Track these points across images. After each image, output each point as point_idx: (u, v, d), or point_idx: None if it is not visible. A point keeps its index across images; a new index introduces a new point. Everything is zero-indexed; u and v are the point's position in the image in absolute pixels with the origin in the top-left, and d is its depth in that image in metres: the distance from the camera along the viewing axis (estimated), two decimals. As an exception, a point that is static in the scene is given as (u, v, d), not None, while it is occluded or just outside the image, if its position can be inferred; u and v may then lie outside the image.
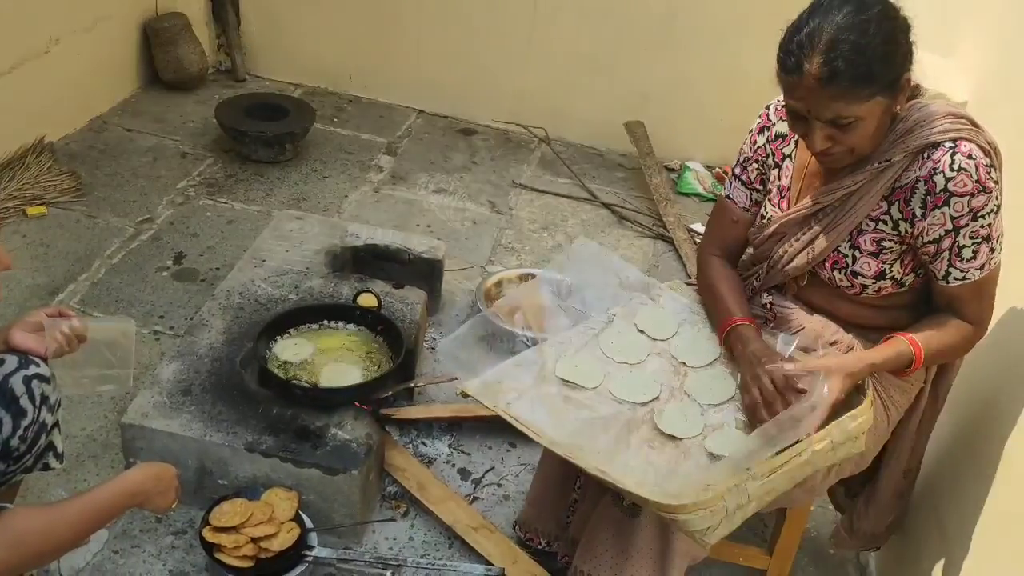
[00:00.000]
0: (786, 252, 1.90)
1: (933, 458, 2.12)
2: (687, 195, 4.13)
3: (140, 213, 3.47)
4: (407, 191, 3.89)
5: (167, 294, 3.06)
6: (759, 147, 1.98)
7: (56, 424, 2.01)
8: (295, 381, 2.31)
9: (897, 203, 1.76)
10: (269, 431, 2.24)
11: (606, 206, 3.96)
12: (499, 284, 3.19)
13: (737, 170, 2.03)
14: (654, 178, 4.00)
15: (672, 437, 1.80)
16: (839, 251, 1.84)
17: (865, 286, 1.83)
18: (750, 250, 2.10)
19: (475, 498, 2.46)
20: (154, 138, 3.98)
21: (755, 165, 2.00)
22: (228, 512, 2.10)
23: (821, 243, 1.84)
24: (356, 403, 2.32)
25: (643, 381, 1.92)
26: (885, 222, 1.78)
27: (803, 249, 1.87)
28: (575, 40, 4.24)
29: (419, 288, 2.91)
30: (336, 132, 4.26)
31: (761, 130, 1.98)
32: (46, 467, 2.02)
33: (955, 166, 1.67)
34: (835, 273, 1.85)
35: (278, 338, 2.49)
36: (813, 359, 1.81)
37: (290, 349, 2.46)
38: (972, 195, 1.67)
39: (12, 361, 1.85)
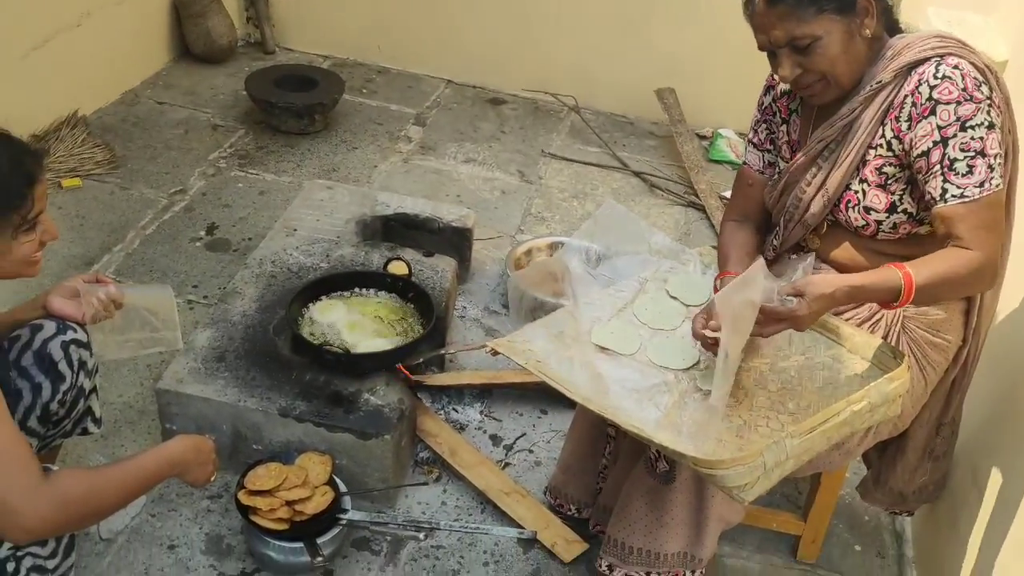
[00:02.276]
0: (801, 200, 1.88)
1: (971, 420, 2.08)
2: (719, 162, 4.08)
3: (173, 185, 3.49)
4: (436, 161, 3.88)
5: (200, 264, 3.09)
6: (765, 107, 2.00)
7: (94, 389, 2.04)
8: (327, 347, 2.32)
9: (889, 123, 1.74)
10: (302, 396, 2.26)
11: (637, 174, 3.93)
12: (528, 253, 3.18)
13: (750, 135, 2.05)
14: (685, 145, 3.95)
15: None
16: (851, 188, 1.81)
17: (880, 222, 1.80)
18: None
19: (507, 464, 2.47)
20: (185, 111, 4.00)
21: (764, 126, 2.02)
22: (263, 476, 2.12)
23: (833, 181, 1.81)
24: (398, 366, 2.33)
25: (682, 347, 1.91)
26: (882, 146, 1.76)
27: (816, 192, 1.85)
28: (605, 6, 4.19)
29: (449, 257, 2.91)
30: (365, 103, 4.25)
31: (767, 90, 2.00)
32: (85, 432, 2.06)
33: (939, 75, 1.65)
34: (850, 214, 1.82)
35: (310, 305, 2.50)
36: (792, 283, 1.73)
37: (322, 316, 2.47)
38: (958, 103, 1.65)
39: (50, 326, 1.88)
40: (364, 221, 2.95)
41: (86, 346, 1.93)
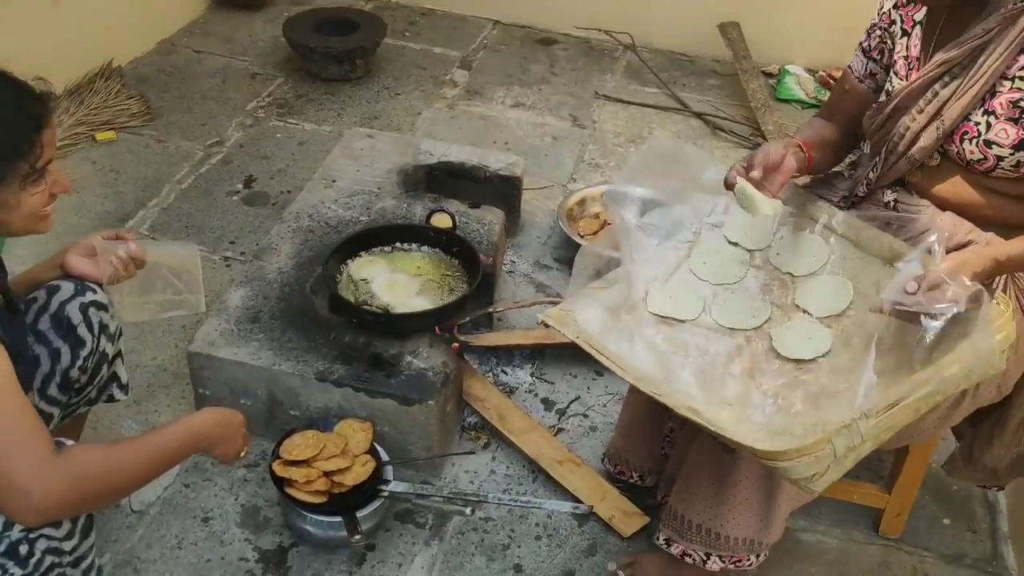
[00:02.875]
0: (909, 129, 1.64)
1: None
2: (787, 102, 3.80)
3: (209, 136, 3.35)
4: (483, 106, 3.67)
5: (237, 219, 2.95)
6: (884, 12, 1.78)
7: (119, 354, 1.92)
8: (366, 307, 2.15)
9: None
10: (341, 359, 2.11)
11: (698, 116, 3.67)
12: (582, 203, 2.97)
13: (862, 38, 1.83)
14: (751, 84, 3.68)
15: (798, 361, 1.59)
16: (970, 120, 1.58)
17: (1001, 158, 1.57)
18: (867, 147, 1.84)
19: (560, 430, 2.30)
20: (223, 59, 3.84)
21: (878, 32, 1.79)
22: (299, 445, 1.99)
23: (952, 112, 1.58)
24: (436, 329, 2.17)
25: (750, 302, 1.70)
26: (1021, 78, 1.52)
27: (929, 122, 1.61)
28: (662, -65, 3.90)
29: (496, 208, 2.72)
30: (408, 46, 4.05)
31: None
32: (111, 399, 1.95)
33: None
34: (965, 146, 1.60)
35: (349, 262, 2.34)
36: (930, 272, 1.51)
37: (361, 273, 2.31)
38: None
39: (68, 287, 1.75)
40: (406, 171, 2.78)
41: (106, 308, 1.80)
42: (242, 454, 1.74)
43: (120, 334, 1.88)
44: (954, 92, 1.57)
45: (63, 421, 1.86)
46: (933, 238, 1.53)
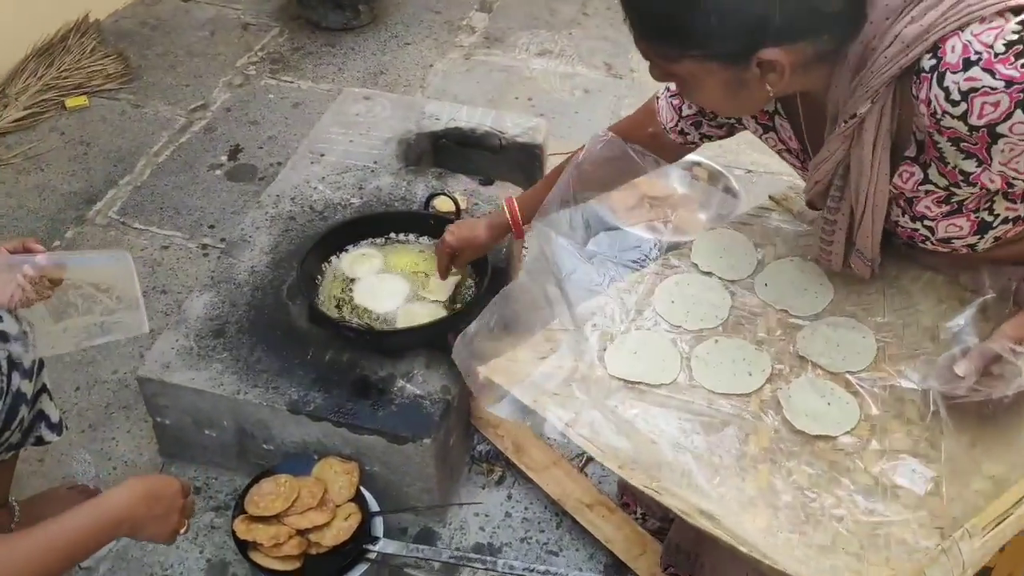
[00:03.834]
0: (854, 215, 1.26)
1: None
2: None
3: (193, 99, 2.96)
4: (504, 56, 3.22)
5: (219, 198, 2.58)
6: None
7: (43, 390, 1.58)
8: (346, 323, 1.76)
9: (932, 164, 1.13)
10: (320, 385, 1.74)
11: (751, 61, 3.18)
12: (615, 170, 2.53)
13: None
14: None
15: (816, 437, 1.19)
16: (902, 226, 1.23)
17: (973, 245, 1.20)
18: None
19: (587, 460, 1.91)
20: (212, 8, 3.43)
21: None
22: (268, 495, 1.64)
23: (865, 232, 1.24)
24: (448, 339, 1.78)
25: (742, 354, 1.29)
26: (930, 180, 1.15)
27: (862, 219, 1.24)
28: None
29: (514, 183, 2.30)
30: (420, -13, 3.59)
31: None
32: (40, 441, 1.61)
33: (954, 95, 1.01)
34: (925, 246, 1.25)
35: (333, 259, 1.96)
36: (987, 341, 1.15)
37: (350, 270, 1.93)
38: (1009, 113, 0.99)
39: (-41, 319, 1.40)
40: (408, 141, 2.36)
41: (17, 339, 1.45)
42: (182, 530, 1.39)
43: (40, 367, 1.53)
44: (851, 214, 1.22)
45: (-15, 469, 1.54)
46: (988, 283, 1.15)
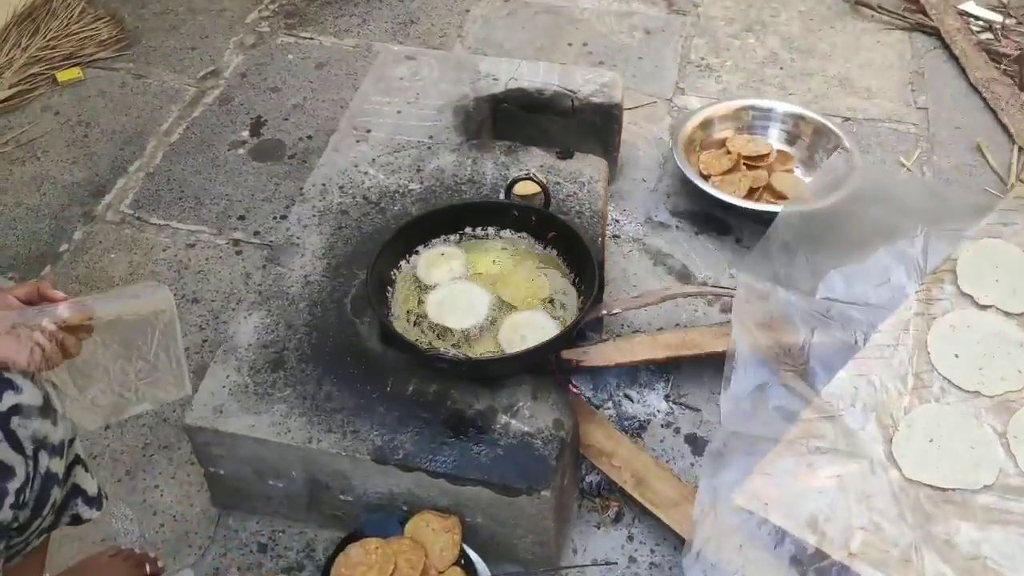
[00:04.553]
0: None
1: None
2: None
3: (202, 64, 2.60)
4: (549, -5, 2.84)
5: (246, 182, 2.24)
6: None
7: (76, 462, 1.29)
8: (439, 351, 1.45)
9: None
10: (406, 424, 1.45)
11: (831, -12, 2.81)
12: (706, 126, 2.20)
13: None
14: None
15: None
16: None
17: None
18: None
19: (718, 485, 1.63)
20: (211, -45, 3.03)
21: None
22: (359, 565, 1.36)
23: None
24: (552, 366, 1.50)
25: None
26: None
27: None
28: None
29: (592, 151, 1.97)
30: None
31: None
32: (77, 520, 1.33)
33: None
34: None
35: (402, 263, 1.65)
36: None
37: (424, 275, 1.63)
38: None
39: (-34, 391, 1.11)
40: (465, 108, 2.02)
41: (41, 413, 1.16)
42: None
43: (73, 439, 1.24)
44: None
45: (9, 562, 1.26)
46: None
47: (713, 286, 1.91)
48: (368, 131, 1.97)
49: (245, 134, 2.37)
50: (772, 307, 1.10)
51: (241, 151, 2.32)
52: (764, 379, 1.14)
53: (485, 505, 1.42)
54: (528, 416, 1.45)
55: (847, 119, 2.37)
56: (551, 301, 1.60)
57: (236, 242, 2.09)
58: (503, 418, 1.45)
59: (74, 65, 2.56)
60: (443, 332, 1.55)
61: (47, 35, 2.59)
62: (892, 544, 0.94)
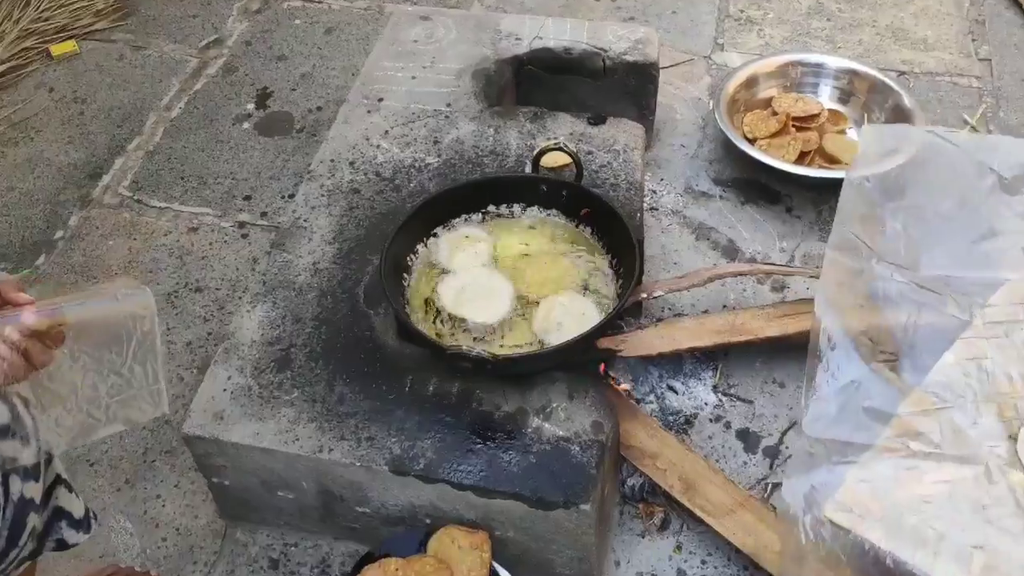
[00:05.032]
0: None
1: None
2: None
3: (204, 33, 2.43)
4: (572, -53, 2.63)
5: (252, 159, 2.08)
6: None
7: (58, 482, 1.16)
8: (458, 352, 1.29)
9: None
10: (428, 429, 1.29)
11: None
12: (750, 84, 2.01)
13: None
14: None
15: None
16: None
17: None
18: None
19: (775, 486, 1.47)
20: (212, -85, 2.84)
21: None
22: (378, 587, 1.21)
23: None
24: (601, 369, 1.35)
25: None
26: None
27: None
28: None
29: (626, 116, 1.79)
30: None
31: None
32: (62, 545, 1.20)
33: None
34: None
35: (419, 247, 1.49)
36: None
37: (446, 260, 1.46)
38: None
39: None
40: (486, 72, 1.85)
41: (11, 431, 1.02)
42: None
43: (49, 458, 1.11)
44: None
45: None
46: None
47: (764, 263, 1.73)
48: (380, 100, 1.80)
49: (250, 107, 2.20)
50: (869, 285, 0.93)
51: (246, 125, 2.16)
52: (856, 375, 0.98)
53: (517, 519, 1.27)
54: (563, 419, 1.30)
55: (902, 73, 2.16)
56: (586, 287, 1.44)
57: (242, 224, 1.94)
58: (535, 421, 1.30)
59: (69, 38, 2.40)
60: (460, 332, 1.39)
61: (40, 6, 2.43)
62: (1020, 567, 0.78)
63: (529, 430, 1.29)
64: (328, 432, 1.30)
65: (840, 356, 1.00)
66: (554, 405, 1.31)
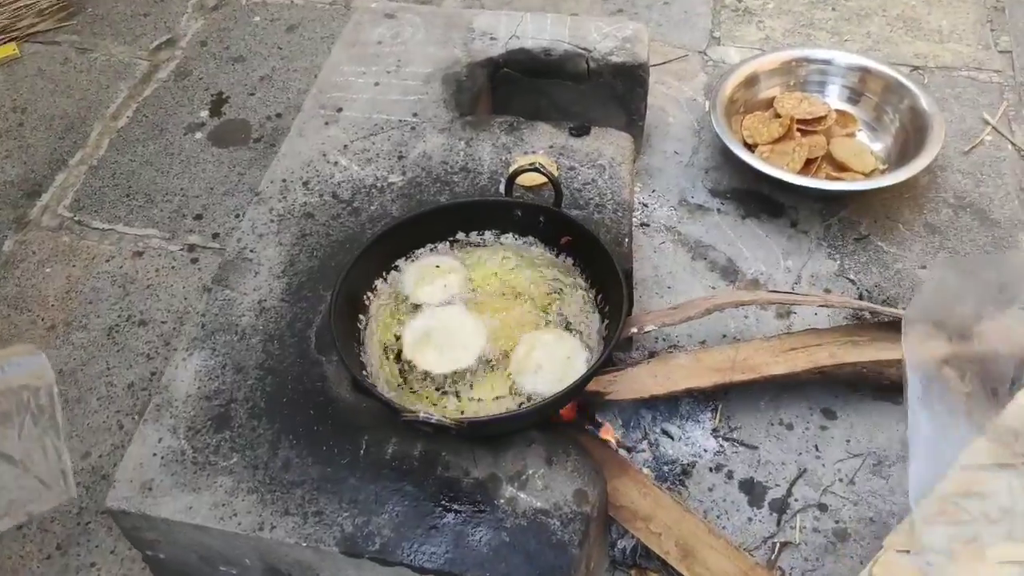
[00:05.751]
0: None
1: None
2: None
3: (156, 33, 2.25)
4: (555, -67, 2.44)
5: (204, 173, 1.90)
6: None
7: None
8: (419, 416, 1.11)
9: None
10: (385, 499, 1.12)
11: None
12: (750, 83, 1.83)
13: None
14: None
15: None
16: None
17: None
18: None
19: (784, 545, 1.30)
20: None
21: None
22: None
23: None
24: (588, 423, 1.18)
25: None
26: None
27: None
28: None
29: (612, 123, 1.62)
30: None
31: None
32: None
33: None
34: None
35: (377, 283, 1.31)
36: None
37: (412, 293, 1.29)
38: None
39: None
40: (457, 77, 1.67)
41: None
42: None
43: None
44: None
45: None
46: None
47: (769, 290, 1.56)
48: (339, 110, 1.62)
49: (204, 114, 2.02)
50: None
51: (199, 135, 1.98)
52: (963, 435, 0.82)
53: (489, 603, 1.10)
54: (541, 487, 1.12)
55: (916, 68, 1.98)
56: (568, 325, 1.26)
57: (191, 247, 1.76)
58: (509, 490, 1.13)
59: (9, 40, 2.21)
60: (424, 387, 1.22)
61: (-22, 6, 2.25)
62: None
63: (502, 501, 1.12)
64: (270, 505, 1.13)
65: (946, 421, 0.84)
66: (530, 472, 1.14)
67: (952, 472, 0.83)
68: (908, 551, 0.84)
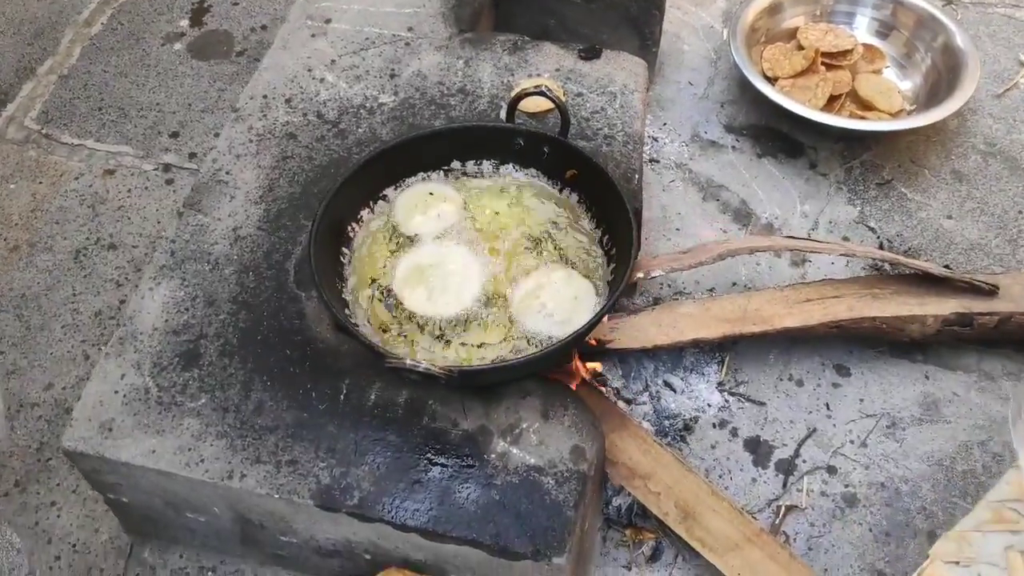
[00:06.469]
0: None
1: None
2: None
3: (134, -68, 2.08)
4: None
5: (182, 87, 1.77)
6: None
7: None
8: (406, 363, 1.02)
9: None
10: (365, 450, 1.04)
11: None
12: (773, 11, 1.70)
13: None
14: None
15: None
16: None
17: None
18: None
19: (789, 509, 1.23)
20: None
21: None
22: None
23: None
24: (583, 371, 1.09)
25: None
26: None
27: None
28: None
29: (624, 47, 1.49)
30: None
31: None
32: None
33: None
34: None
35: (364, 212, 1.20)
36: None
37: (403, 224, 1.18)
38: None
39: None
40: (457, -10, 1.53)
41: None
42: None
43: None
44: None
45: None
46: None
47: (786, 236, 1.46)
48: (327, 21, 1.49)
49: (184, 24, 1.88)
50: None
51: (178, 46, 1.84)
52: None
53: (475, 565, 1.02)
54: (535, 443, 1.04)
55: (949, 2, 1.85)
56: (572, 264, 1.16)
57: (167, 167, 1.64)
58: (501, 444, 1.04)
59: (-27, -66, 2.04)
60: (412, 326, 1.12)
61: None
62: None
63: (492, 456, 1.03)
64: (240, 452, 1.04)
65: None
66: (524, 425, 1.05)
67: (1008, 474, 0.74)
68: (957, 562, 0.75)
